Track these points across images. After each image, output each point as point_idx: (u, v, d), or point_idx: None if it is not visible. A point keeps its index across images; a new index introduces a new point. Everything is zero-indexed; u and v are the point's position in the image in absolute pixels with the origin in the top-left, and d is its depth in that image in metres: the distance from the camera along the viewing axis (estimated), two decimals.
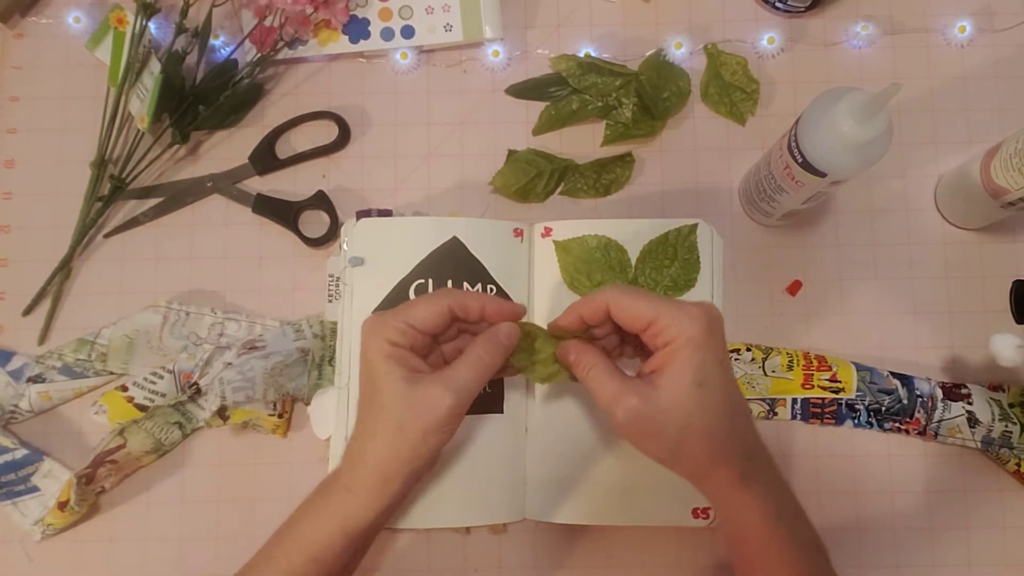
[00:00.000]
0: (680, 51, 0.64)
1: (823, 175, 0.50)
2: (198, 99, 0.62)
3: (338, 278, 0.59)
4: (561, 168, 0.63)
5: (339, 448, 0.56)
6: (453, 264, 0.58)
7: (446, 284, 0.57)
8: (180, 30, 0.61)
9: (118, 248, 0.63)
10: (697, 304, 0.44)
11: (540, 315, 0.59)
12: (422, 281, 0.58)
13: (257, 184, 0.64)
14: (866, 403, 0.58)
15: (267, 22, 0.62)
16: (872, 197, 0.63)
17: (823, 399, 0.59)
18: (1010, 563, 0.58)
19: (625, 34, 0.65)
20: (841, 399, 0.58)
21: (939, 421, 0.58)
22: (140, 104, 0.60)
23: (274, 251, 0.63)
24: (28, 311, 0.62)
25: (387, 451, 0.45)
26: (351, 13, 0.64)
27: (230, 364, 0.55)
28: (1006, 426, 0.57)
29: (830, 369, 0.58)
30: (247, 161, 0.63)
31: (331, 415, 0.58)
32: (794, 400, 0.59)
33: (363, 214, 0.60)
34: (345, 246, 0.58)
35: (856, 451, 0.60)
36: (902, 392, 0.58)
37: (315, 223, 0.63)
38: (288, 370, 0.57)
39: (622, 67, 0.63)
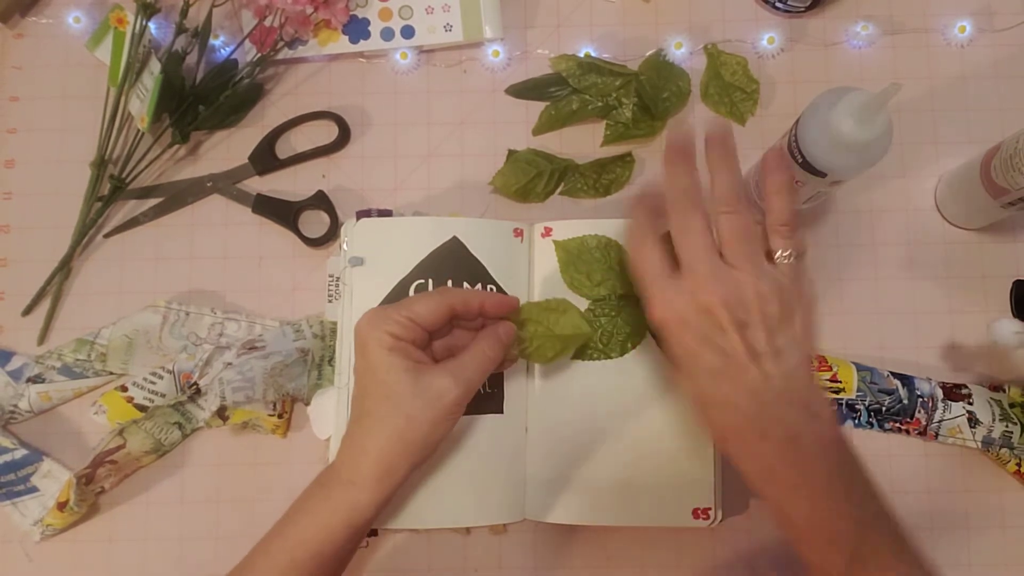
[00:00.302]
0: (680, 51, 0.64)
1: (823, 175, 0.50)
2: (198, 99, 0.62)
3: (338, 278, 0.59)
4: (561, 168, 0.62)
5: (338, 447, 0.56)
6: (453, 264, 0.58)
7: (446, 284, 0.57)
8: (180, 30, 0.61)
9: (118, 248, 0.63)
10: None
11: None
12: (422, 281, 0.58)
13: (257, 184, 0.64)
14: (866, 403, 0.58)
15: (267, 22, 0.62)
16: (872, 197, 0.63)
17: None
18: (1010, 563, 0.58)
19: (625, 34, 0.65)
20: (841, 399, 0.58)
21: (939, 421, 0.58)
22: (140, 104, 0.60)
23: (274, 251, 0.63)
24: (28, 311, 0.62)
25: (393, 441, 0.46)
26: (351, 13, 0.64)
27: (230, 364, 0.55)
28: (1006, 426, 0.57)
29: (830, 369, 0.58)
30: (247, 161, 0.63)
31: (331, 415, 0.58)
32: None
33: (363, 214, 0.60)
34: (345, 246, 0.58)
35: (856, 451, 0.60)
36: (902, 392, 0.58)
37: (315, 223, 0.63)
38: (288, 370, 0.57)
39: (622, 67, 0.63)
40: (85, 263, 0.63)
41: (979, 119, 0.63)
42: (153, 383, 0.57)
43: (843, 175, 0.50)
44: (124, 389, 0.57)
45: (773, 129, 0.63)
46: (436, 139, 0.64)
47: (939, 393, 0.58)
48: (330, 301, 0.59)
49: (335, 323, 0.59)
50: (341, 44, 0.64)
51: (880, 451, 0.60)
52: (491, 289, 0.58)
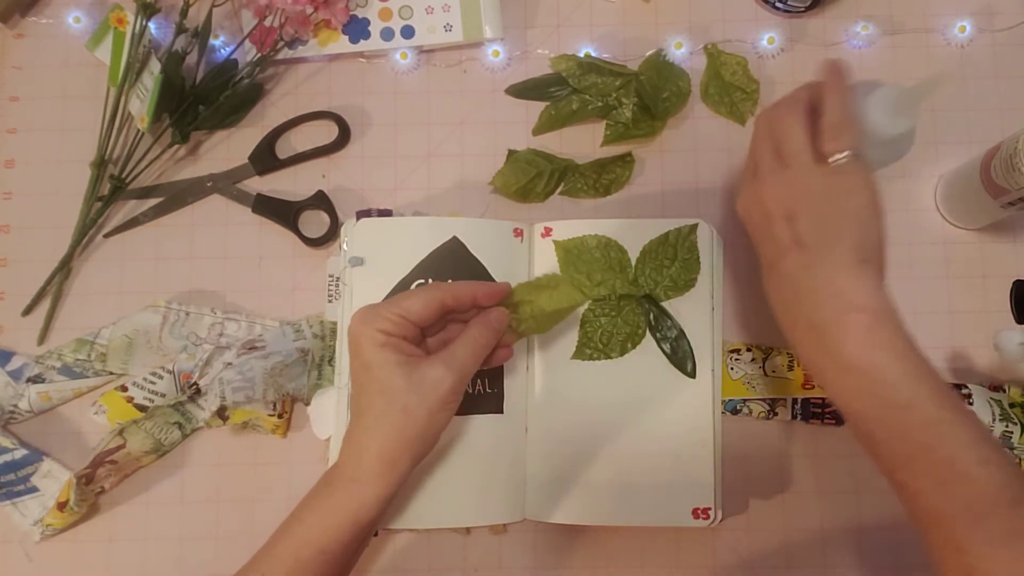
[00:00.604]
0: (680, 51, 0.64)
1: None
2: (198, 99, 0.62)
3: (338, 278, 0.59)
4: (561, 168, 0.62)
5: (339, 447, 0.56)
6: (453, 264, 0.58)
7: None
8: (180, 30, 0.61)
9: (118, 248, 0.63)
10: None
11: None
12: (422, 281, 0.58)
13: (257, 184, 0.64)
14: None
15: (267, 22, 0.62)
16: None
17: (823, 399, 0.59)
18: None
19: (625, 34, 0.65)
20: None
21: None
22: (140, 104, 0.60)
23: (274, 251, 0.63)
24: (28, 311, 0.62)
25: (392, 435, 0.46)
26: (351, 13, 0.64)
27: (230, 364, 0.55)
28: (1006, 426, 0.57)
29: None
30: (247, 161, 0.63)
31: (331, 415, 0.58)
32: (794, 400, 0.59)
33: (363, 214, 0.60)
34: (345, 246, 0.58)
35: (856, 451, 0.59)
36: None
37: (315, 223, 0.63)
38: (288, 370, 0.57)
39: (622, 67, 0.63)
40: (85, 263, 0.63)
41: (979, 119, 0.63)
42: (153, 383, 0.57)
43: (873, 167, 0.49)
44: (124, 389, 0.57)
45: None
46: (436, 139, 0.64)
47: None
48: (330, 301, 0.59)
49: (335, 323, 0.59)
50: (341, 44, 0.64)
51: None
52: None
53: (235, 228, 0.63)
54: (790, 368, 0.59)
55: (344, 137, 0.63)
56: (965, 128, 0.63)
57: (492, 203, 0.63)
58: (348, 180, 0.64)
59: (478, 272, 0.58)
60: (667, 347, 0.58)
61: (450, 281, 0.57)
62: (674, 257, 0.58)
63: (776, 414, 0.59)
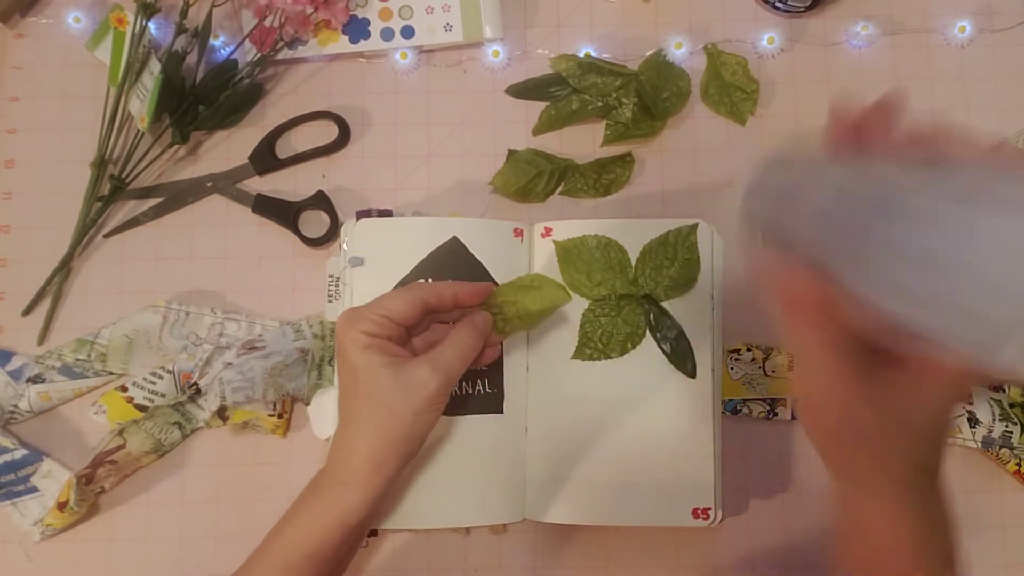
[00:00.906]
0: (680, 51, 0.64)
1: None
2: (198, 99, 0.62)
3: (338, 278, 0.59)
4: (561, 168, 0.62)
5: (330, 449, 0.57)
6: (453, 264, 0.58)
7: None
8: (180, 30, 0.61)
9: (118, 248, 0.63)
10: None
11: None
12: (422, 281, 0.58)
13: (257, 184, 0.64)
14: None
15: (267, 22, 0.62)
16: None
17: None
18: (1010, 563, 0.58)
19: (625, 34, 0.65)
20: None
21: None
22: (140, 104, 0.60)
23: (274, 251, 0.63)
24: (28, 311, 0.62)
25: (379, 437, 0.46)
26: (351, 13, 0.64)
27: (230, 364, 0.55)
28: (1006, 426, 0.57)
29: None
30: (247, 161, 0.63)
31: (331, 415, 0.58)
32: (794, 400, 0.59)
33: (363, 214, 0.60)
34: (345, 246, 0.58)
35: None
36: None
37: (315, 223, 0.63)
38: (288, 370, 0.57)
39: (622, 67, 0.63)
40: (85, 263, 0.63)
41: (979, 119, 0.63)
42: (153, 383, 0.57)
43: None
44: (124, 389, 0.57)
45: (773, 129, 0.63)
46: (436, 139, 0.64)
47: None
48: (330, 301, 0.59)
49: (335, 323, 0.59)
50: (341, 44, 0.64)
51: None
52: None
53: (235, 228, 0.63)
54: (790, 368, 0.59)
55: (344, 137, 0.63)
56: (965, 128, 0.63)
57: (492, 203, 0.63)
58: (348, 180, 0.64)
59: (478, 272, 0.58)
60: (667, 347, 0.58)
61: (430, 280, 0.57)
62: (674, 257, 0.58)
63: (776, 414, 0.59)
